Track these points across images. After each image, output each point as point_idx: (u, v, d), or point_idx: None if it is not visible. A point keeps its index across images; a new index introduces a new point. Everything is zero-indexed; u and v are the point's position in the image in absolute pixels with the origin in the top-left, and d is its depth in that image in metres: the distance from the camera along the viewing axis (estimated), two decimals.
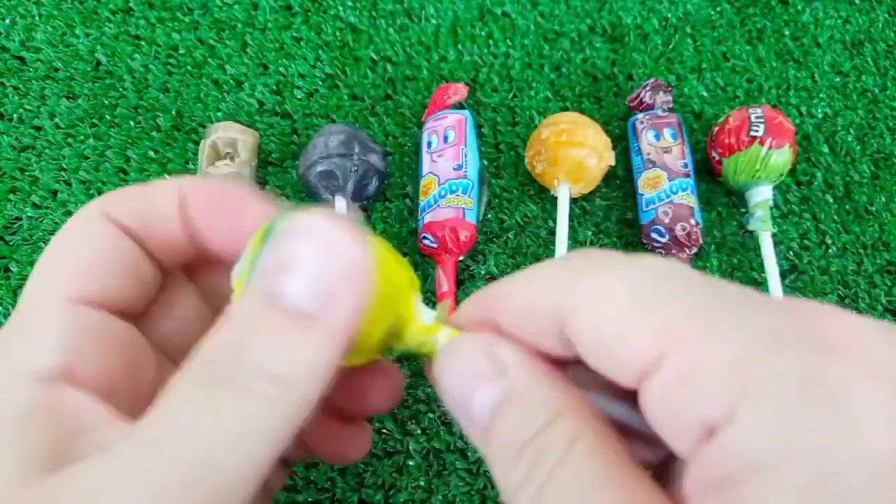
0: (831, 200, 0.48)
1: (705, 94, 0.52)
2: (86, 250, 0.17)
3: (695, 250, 0.44)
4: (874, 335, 0.12)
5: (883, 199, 0.48)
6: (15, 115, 0.49)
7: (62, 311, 0.16)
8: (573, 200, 0.47)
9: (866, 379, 0.11)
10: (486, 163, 0.49)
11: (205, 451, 0.13)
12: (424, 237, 0.44)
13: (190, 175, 0.21)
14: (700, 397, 0.12)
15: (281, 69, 0.52)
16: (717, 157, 0.46)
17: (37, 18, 0.53)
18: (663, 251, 0.45)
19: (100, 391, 0.16)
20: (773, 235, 0.45)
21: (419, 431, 0.40)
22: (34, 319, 0.16)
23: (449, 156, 0.46)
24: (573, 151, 0.44)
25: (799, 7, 0.57)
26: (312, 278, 0.14)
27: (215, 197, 0.18)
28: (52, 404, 0.15)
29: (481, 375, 0.16)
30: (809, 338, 0.12)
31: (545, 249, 0.46)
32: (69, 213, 0.46)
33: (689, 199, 0.44)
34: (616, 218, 0.47)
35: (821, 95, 0.53)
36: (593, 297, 0.14)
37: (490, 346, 0.16)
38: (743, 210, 0.47)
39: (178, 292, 0.20)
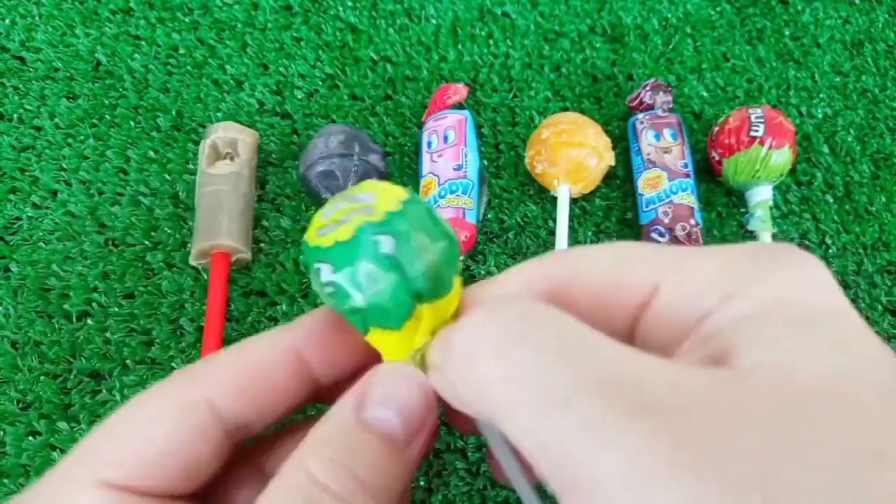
0: (831, 200, 0.48)
1: (705, 94, 0.52)
2: (155, 443, 0.17)
3: None
4: (804, 254, 0.16)
5: (883, 200, 0.48)
6: (15, 115, 0.49)
7: (100, 496, 0.16)
8: (573, 200, 0.47)
9: (818, 264, 0.16)
10: (486, 163, 0.49)
11: None
12: None
13: (292, 324, 0.20)
14: (695, 294, 0.15)
15: (281, 69, 0.52)
16: (717, 157, 0.46)
17: (37, 18, 0.53)
18: None
19: None
20: (773, 235, 0.45)
21: None
22: (69, 496, 0.16)
23: (449, 156, 0.46)
24: (573, 151, 0.44)
25: (799, 7, 0.57)
26: (405, 413, 0.17)
27: (328, 341, 0.19)
28: None
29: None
30: (779, 252, 0.16)
31: (545, 249, 0.46)
32: (69, 213, 0.46)
33: (689, 199, 0.44)
34: (616, 218, 0.47)
35: (821, 95, 0.53)
36: (584, 259, 0.17)
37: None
38: (743, 210, 0.47)
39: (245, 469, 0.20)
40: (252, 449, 0.20)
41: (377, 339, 0.18)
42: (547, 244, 0.46)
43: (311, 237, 0.18)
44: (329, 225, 0.18)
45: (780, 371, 0.13)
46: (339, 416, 0.17)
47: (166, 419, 0.17)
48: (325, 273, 0.17)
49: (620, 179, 0.49)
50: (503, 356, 0.14)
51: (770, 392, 0.12)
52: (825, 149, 0.50)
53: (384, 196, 0.18)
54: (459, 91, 0.49)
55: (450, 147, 0.46)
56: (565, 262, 0.17)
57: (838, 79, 0.53)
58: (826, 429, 0.12)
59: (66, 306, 0.43)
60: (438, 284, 0.17)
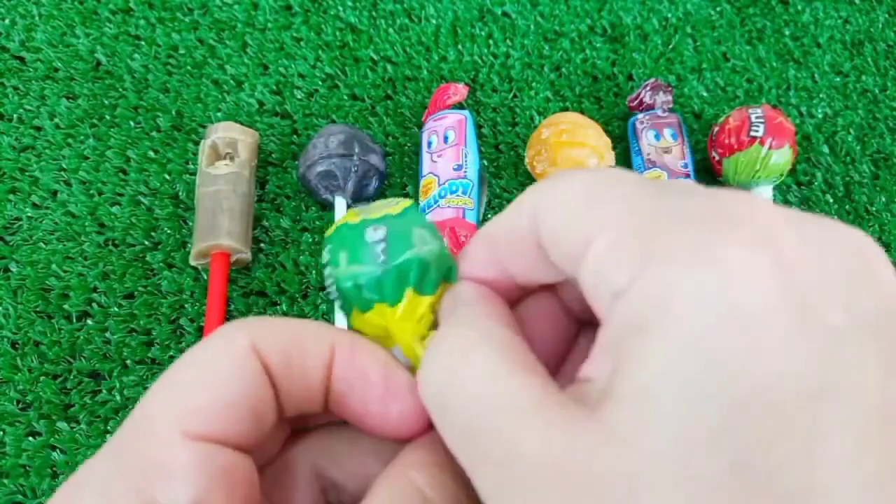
0: (831, 200, 0.48)
1: (705, 94, 0.52)
2: (228, 389, 0.16)
3: None
4: (779, 216, 0.14)
5: (883, 200, 0.48)
6: (15, 115, 0.49)
7: (194, 448, 0.16)
8: None
9: (753, 244, 0.13)
10: (486, 163, 0.49)
11: None
12: None
13: (334, 326, 0.20)
14: (610, 269, 0.14)
15: (281, 69, 0.52)
16: (717, 157, 0.46)
17: (37, 18, 0.53)
18: None
19: None
20: None
21: None
22: (162, 451, 0.16)
23: (449, 156, 0.46)
24: (573, 151, 0.44)
25: (799, 7, 0.57)
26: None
27: (362, 370, 0.18)
28: None
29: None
30: (716, 215, 0.13)
31: None
32: (69, 214, 0.46)
33: None
34: None
35: (821, 95, 0.53)
36: (552, 202, 0.16)
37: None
38: None
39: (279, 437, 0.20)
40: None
41: (377, 318, 0.19)
42: None
43: (354, 215, 0.19)
44: (367, 213, 0.19)
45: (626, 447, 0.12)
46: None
47: (252, 374, 0.17)
48: (376, 234, 0.19)
49: None
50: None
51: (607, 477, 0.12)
52: (825, 149, 0.50)
53: (400, 203, 0.20)
54: (459, 91, 0.49)
55: (450, 147, 0.46)
56: (537, 202, 0.16)
57: (838, 79, 0.53)
58: None
59: (66, 306, 0.43)
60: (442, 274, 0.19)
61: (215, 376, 0.17)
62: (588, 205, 0.15)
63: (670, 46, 0.55)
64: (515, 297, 0.19)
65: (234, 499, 0.16)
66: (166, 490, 0.15)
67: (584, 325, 0.19)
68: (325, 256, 0.19)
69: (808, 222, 0.14)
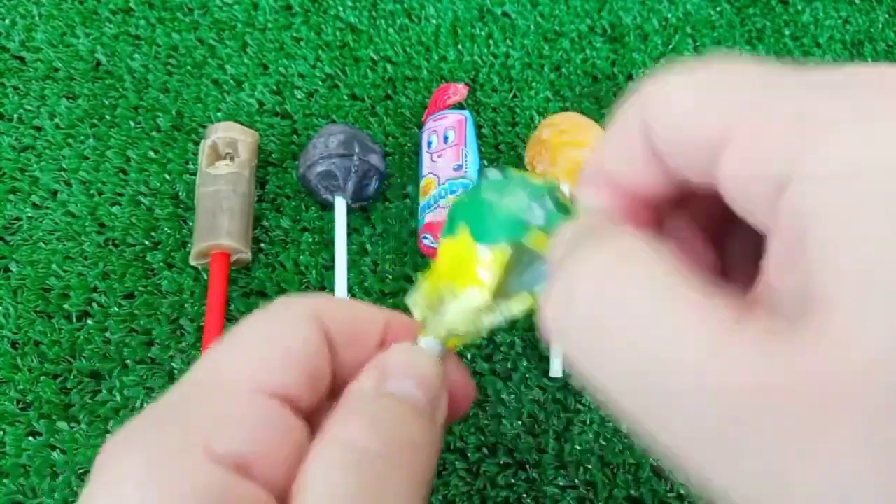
0: None
1: None
2: (295, 349, 0.17)
3: None
4: None
5: None
6: (15, 115, 0.49)
7: (255, 401, 0.16)
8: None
9: None
10: (486, 163, 0.49)
11: None
12: (424, 237, 0.44)
13: (385, 306, 0.21)
14: (763, 158, 0.12)
15: (281, 69, 0.52)
16: None
17: (37, 18, 0.53)
18: None
19: (274, 490, 0.15)
20: None
21: None
22: (223, 400, 0.16)
23: (449, 156, 0.46)
24: (573, 151, 0.44)
25: (799, 7, 0.57)
26: (425, 382, 0.18)
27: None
28: (230, 493, 0.14)
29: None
30: (867, 83, 0.12)
31: None
32: (69, 214, 0.46)
33: None
34: None
35: None
36: (665, 102, 0.14)
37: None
38: None
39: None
40: None
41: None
42: None
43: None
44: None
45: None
46: (361, 394, 0.17)
47: (316, 341, 0.17)
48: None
49: None
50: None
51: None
52: None
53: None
54: (459, 91, 0.49)
55: (450, 147, 0.46)
56: (648, 105, 0.14)
57: None
58: None
59: (66, 306, 0.43)
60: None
61: (283, 336, 0.17)
62: (711, 96, 0.13)
63: (670, 46, 0.55)
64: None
65: (289, 456, 0.16)
66: (224, 439, 0.15)
67: (718, 238, 0.17)
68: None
69: None
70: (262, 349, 0.17)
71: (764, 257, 0.12)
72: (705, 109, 0.13)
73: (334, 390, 0.18)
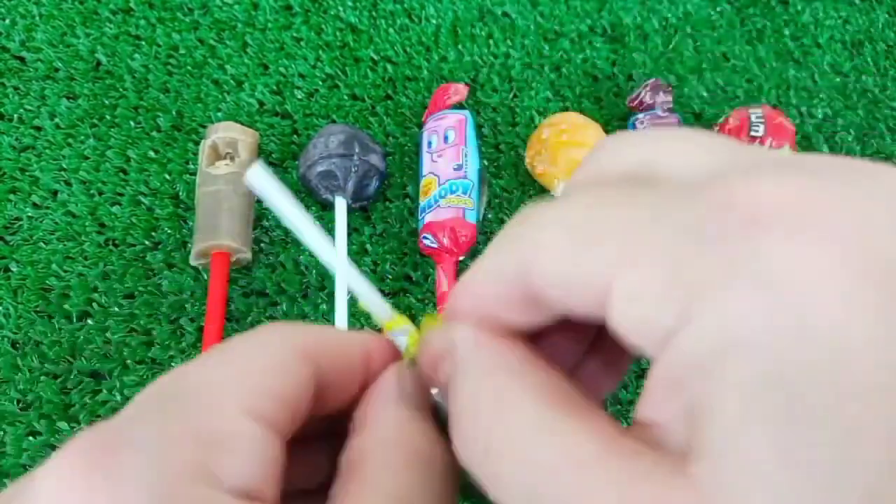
0: None
1: (705, 94, 0.52)
2: (285, 380, 0.17)
3: None
4: (814, 191, 0.11)
5: None
6: (15, 115, 0.49)
7: (258, 432, 0.16)
8: None
9: (808, 244, 0.11)
10: (486, 163, 0.49)
11: None
12: (424, 237, 0.44)
13: (370, 332, 0.21)
14: (649, 310, 0.12)
15: (281, 69, 0.52)
16: None
17: (37, 18, 0.53)
18: None
19: None
20: None
21: None
22: (226, 424, 0.16)
23: (449, 156, 0.46)
24: (573, 151, 0.44)
25: (799, 7, 0.57)
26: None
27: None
28: None
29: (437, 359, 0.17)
30: (735, 220, 0.11)
31: None
32: (69, 214, 0.46)
33: None
34: None
35: (821, 96, 0.53)
36: (539, 248, 0.14)
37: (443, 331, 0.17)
38: None
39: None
40: None
41: None
42: None
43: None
44: None
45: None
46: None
47: (291, 358, 0.17)
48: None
49: None
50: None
51: None
52: (825, 149, 0.50)
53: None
54: (459, 91, 0.49)
55: (450, 147, 0.46)
56: (523, 252, 0.14)
57: (838, 79, 0.53)
58: None
59: (66, 306, 0.43)
60: None
61: (276, 365, 0.17)
62: (587, 244, 0.13)
63: (670, 46, 0.55)
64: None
65: (276, 485, 0.16)
66: (226, 464, 0.15)
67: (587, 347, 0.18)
68: None
69: (836, 182, 0.11)
70: (259, 375, 0.17)
71: (646, 382, 0.13)
72: (583, 262, 0.13)
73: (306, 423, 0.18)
